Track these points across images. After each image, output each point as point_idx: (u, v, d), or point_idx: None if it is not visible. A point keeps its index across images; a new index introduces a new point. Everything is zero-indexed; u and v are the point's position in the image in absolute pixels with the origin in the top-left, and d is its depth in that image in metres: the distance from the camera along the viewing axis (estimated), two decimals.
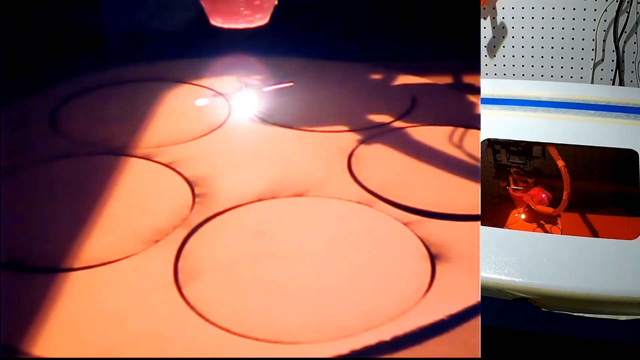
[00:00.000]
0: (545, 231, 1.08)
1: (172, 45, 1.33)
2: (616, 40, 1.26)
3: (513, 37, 1.34)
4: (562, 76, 1.36)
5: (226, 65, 1.26)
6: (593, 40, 1.29)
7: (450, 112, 1.12)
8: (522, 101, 1.04)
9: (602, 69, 1.32)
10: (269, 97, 1.16)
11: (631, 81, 1.31)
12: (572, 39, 1.30)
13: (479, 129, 1.04)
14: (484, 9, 1.32)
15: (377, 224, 0.86)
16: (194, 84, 1.20)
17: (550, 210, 1.04)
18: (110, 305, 0.73)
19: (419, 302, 0.74)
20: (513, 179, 1.10)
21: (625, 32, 1.26)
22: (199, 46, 1.32)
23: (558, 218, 1.07)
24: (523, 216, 1.11)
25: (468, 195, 0.91)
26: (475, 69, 1.27)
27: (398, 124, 1.09)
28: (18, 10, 1.26)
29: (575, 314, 0.84)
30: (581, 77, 1.35)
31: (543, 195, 1.07)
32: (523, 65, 1.37)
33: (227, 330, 0.70)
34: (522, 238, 0.87)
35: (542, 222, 1.09)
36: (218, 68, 1.25)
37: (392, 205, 0.89)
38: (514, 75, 1.39)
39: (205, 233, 0.84)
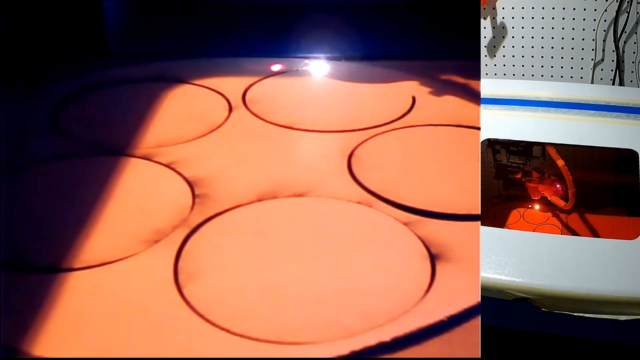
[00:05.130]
0: (561, 220, 1.09)
1: (175, 45, 1.33)
2: (616, 40, 1.26)
3: (513, 37, 1.34)
4: (562, 76, 1.36)
5: (227, 66, 1.26)
6: (593, 40, 1.29)
7: (450, 112, 1.12)
8: (522, 101, 1.04)
9: (602, 69, 1.32)
10: (267, 96, 1.16)
11: (631, 81, 1.31)
12: (572, 39, 1.30)
13: (479, 129, 1.04)
14: (484, 9, 1.32)
15: (377, 224, 0.86)
16: (194, 84, 1.20)
17: (562, 203, 1.05)
18: (110, 305, 0.73)
19: (419, 302, 0.74)
20: (525, 171, 1.10)
21: (625, 32, 1.26)
22: (201, 46, 1.32)
23: (579, 210, 1.08)
24: (537, 207, 1.11)
25: (468, 195, 0.91)
26: (475, 69, 1.27)
27: (398, 124, 1.09)
28: (18, 9, 1.26)
29: (575, 314, 0.84)
30: (581, 77, 1.35)
31: (558, 186, 1.07)
32: (523, 65, 1.37)
33: (227, 331, 0.70)
34: (522, 238, 0.87)
35: (557, 212, 1.09)
36: (219, 68, 1.25)
37: (392, 205, 0.89)
38: (514, 75, 1.39)
39: (205, 233, 0.84)
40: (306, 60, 1.28)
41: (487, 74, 1.40)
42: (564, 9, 1.27)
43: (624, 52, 1.28)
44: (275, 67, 1.24)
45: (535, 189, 1.10)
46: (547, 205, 1.11)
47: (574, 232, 1.09)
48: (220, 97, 1.16)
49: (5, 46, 1.22)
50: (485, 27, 1.35)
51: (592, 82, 1.34)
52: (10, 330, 0.69)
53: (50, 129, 1.06)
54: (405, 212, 0.88)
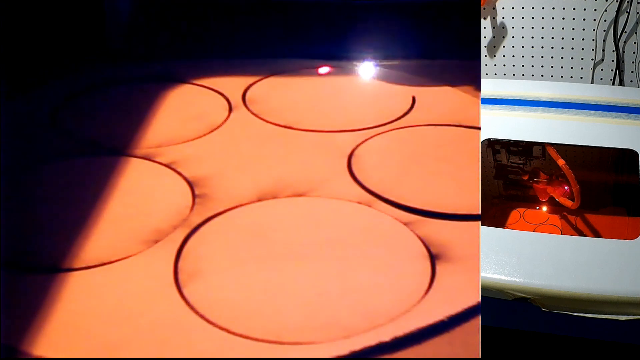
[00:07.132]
0: (569, 222, 1.09)
1: (176, 44, 1.33)
2: (616, 40, 1.27)
3: (513, 37, 1.34)
4: (562, 76, 1.36)
5: (227, 66, 1.26)
6: (593, 40, 1.29)
7: (450, 112, 1.12)
8: (522, 101, 1.04)
9: (602, 69, 1.33)
10: (267, 96, 1.16)
11: (631, 81, 1.31)
12: (572, 39, 1.30)
13: (479, 129, 1.04)
14: (484, 9, 1.32)
15: (377, 224, 0.86)
16: (194, 84, 1.20)
17: (570, 203, 1.05)
18: (110, 305, 0.73)
19: (419, 302, 0.74)
20: (533, 172, 1.10)
21: (625, 32, 1.26)
22: (202, 46, 1.32)
23: (580, 210, 1.08)
24: (545, 208, 1.11)
25: (468, 195, 0.91)
26: (475, 69, 1.27)
27: (398, 124, 1.09)
28: (18, 9, 1.26)
29: (575, 314, 0.84)
30: (581, 77, 1.35)
31: (566, 187, 1.07)
32: (523, 65, 1.37)
33: (227, 330, 0.70)
34: (522, 238, 0.87)
35: (565, 213, 1.09)
36: (219, 68, 1.25)
37: (392, 205, 0.89)
38: (514, 75, 1.39)
39: (205, 233, 0.84)
40: (306, 61, 1.28)
41: (487, 74, 1.40)
42: (564, 9, 1.27)
43: (624, 52, 1.28)
44: (323, 70, 1.23)
45: (544, 190, 1.10)
46: (553, 205, 1.11)
47: (574, 232, 1.09)
48: (220, 97, 1.16)
49: (5, 46, 1.22)
50: (485, 27, 1.35)
51: (592, 82, 1.34)
52: (10, 330, 0.69)
53: (51, 128, 1.06)
54: (405, 212, 0.88)
